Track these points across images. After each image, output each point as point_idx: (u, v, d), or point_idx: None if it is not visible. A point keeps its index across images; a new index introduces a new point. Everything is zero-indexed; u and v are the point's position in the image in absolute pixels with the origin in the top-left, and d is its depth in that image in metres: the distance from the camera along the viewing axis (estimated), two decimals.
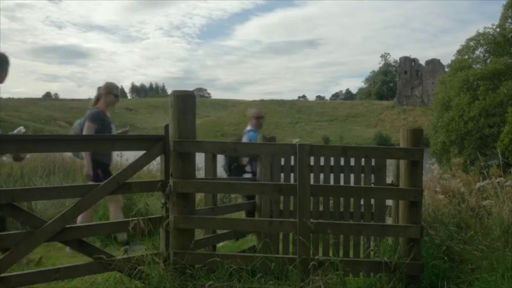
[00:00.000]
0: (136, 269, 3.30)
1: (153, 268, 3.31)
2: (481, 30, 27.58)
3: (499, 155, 7.41)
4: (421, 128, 3.62)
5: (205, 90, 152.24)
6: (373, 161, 4.09)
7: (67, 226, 3.17)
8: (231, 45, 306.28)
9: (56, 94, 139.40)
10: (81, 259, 3.53)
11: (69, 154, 10.03)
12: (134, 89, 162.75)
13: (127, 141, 3.80)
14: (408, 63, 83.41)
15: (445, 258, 4.20)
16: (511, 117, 19.43)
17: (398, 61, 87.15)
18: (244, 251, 4.67)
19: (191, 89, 3.78)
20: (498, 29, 26.89)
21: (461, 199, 5.81)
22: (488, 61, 26.58)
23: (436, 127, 26.11)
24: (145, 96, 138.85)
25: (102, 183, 3.35)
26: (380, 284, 3.26)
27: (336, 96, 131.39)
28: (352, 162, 4.10)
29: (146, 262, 3.31)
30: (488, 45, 27.11)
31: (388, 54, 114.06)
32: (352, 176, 4.15)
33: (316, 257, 3.31)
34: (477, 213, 5.41)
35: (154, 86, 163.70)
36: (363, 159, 4.13)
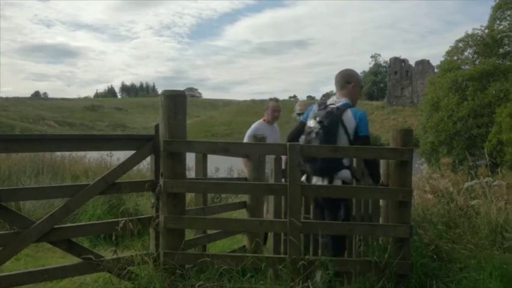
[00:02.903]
0: (126, 270, 3.28)
1: (143, 268, 3.29)
2: (470, 32, 27.88)
3: (486, 156, 7.50)
4: (411, 129, 3.65)
5: (196, 90, 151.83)
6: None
7: (55, 226, 3.14)
8: (221, 45, 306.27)
9: (44, 93, 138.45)
10: (70, 260, 3.50)
11: (57, 154, 9.98)
12: (124, 88, 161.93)
13: (117, 141, 3.78)
14: (398, 63, 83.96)
15: (434, 257, 4.23)
16: (499, 118, 19.66)
17: (388, 62, 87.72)
18: (235, 250, 4.67)
19: (182, 89, 3.77)
20: (487, 30, 27.18)
21: (450, 199, 5.86)
22: (477, 62, 26.85)
23: (425, 127, 26.34)
24: (136, 96, 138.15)
25: (91, 183, 3.33)
26: (369, 283, 3.27)
27: (326, 96, 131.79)
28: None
29: (136, 262, 3.29)
30: (477, 47, 27.38)
31: (379, 54, 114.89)
32: None
33: (306, 257, 3.32)
34: (465, 212, 5.46)
35: (144, 85, 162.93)
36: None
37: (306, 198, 3.88)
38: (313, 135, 3.54)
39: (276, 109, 5.85)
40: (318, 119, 3.59)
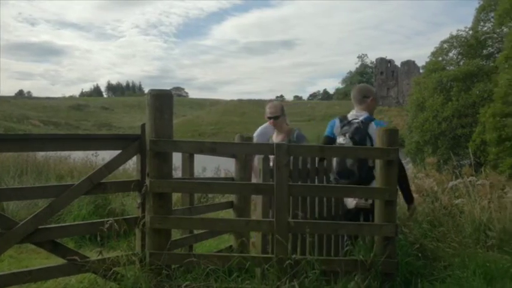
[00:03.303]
0: (112, 270, 3.26)
1: (129, 269, 3.27)
2: (454, 33, 28.22)
3: (471, 155, 7.62)
4: (396, 128, 3.68)
5: (183, 89, 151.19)
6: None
7: (40, 227, 3.10)
8: (208, 44, 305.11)
9: (29, 92, 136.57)
10: (54, 260, 3.46)
11: (41, 154, 9.86)
12: (110, 87, 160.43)
13: (102, 141, 3.75)
14: (384, 64, 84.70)
15: (419, 255, 4.28)
16: (483, 118, 19.93)
17: (375, 62, 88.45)
18: (222, 250, 4.66)
19: (168, 88, 3.75)
20: (471, 32, 27.54)
21: (435, 198, 5.94)
22: (461, 63, 27.20)
23: (411, 127, 26.61)
24: (122, 95, 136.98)
25: (76, 183, 3.29)
26: (356, 282, 3.29)
27: (313, 96, 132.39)
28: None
29: (121, 263, 3.27)
30: (462, 48, 27.73)
31: (365, 55, 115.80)
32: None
33: (293, 256, 3.33)
34: (450, 211, 5.54)
35: (130, 84, 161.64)
36: None
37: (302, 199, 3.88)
38: None
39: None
40: (348, 135, 3.78)
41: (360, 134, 3.74)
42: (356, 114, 3.90)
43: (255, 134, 5.10)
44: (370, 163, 3.71)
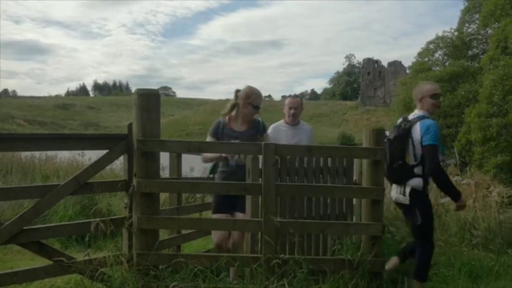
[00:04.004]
0: (98, 271, 3.23)
1: (116, 270, 3.24)
2: (440, 34, 28.52)
3: (456, 155, 7.71)
4: (383, 128, 3.71)
5: (170, 88, 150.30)
6: (344, 161, 4.16)
7: (25, 228, 3.06)
8: (195, 44, 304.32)
9: (13, 91, 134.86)
10: (40, 262, 3.42)
11: (27, 153, 9.74)
12: (97, 86, 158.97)
13: (89, 140, 3.71)
14: (371, 64, 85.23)
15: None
16: (468, 118, 20.16)
17: (362, 62, 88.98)
18: (210, 250, 4.65)
19: (156, 88, 3.73)
20: (456, 33, 27.86)
21: None
22: (447, 64, 27.49)
23: None
24: (109, 94, 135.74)
25: (62, 183, 3.25)
26: (343, 281, 3.31)
27: (301, 96, 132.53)
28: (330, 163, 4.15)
29: (108, 264, 3.24)
30: (447, 48, 28.03)
31: (353, 55, 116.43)
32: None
33: (281, 256, 3.33)
34: (436, 210, 5.59)
35: (117, 84, 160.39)
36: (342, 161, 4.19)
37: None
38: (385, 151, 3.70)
39: (291, 105, 4.76)
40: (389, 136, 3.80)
41: (395, 134, 3.73)
42: (413, 113, 3.87)
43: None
44: (412, 161, 3.66)
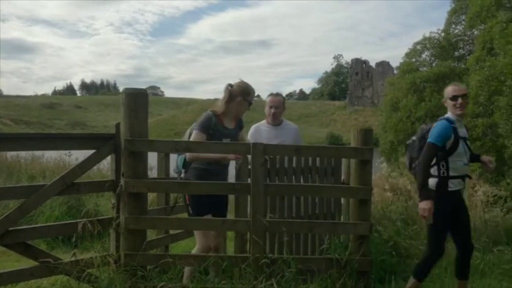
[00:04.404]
0: (85, 272, 3.20)
1: (103, 270, 3.22)
2: (427, 35, 28.78)
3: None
4: (371, 128, 3.73)
5: (159, 88, 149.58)
6: (332, 161, 4.18)
7: (10, 229, 3.03)
8: (184, 43, 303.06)
9: None
10: (26, 263, 3.38)
11: (12, 153, 9.61)
12: (84, 86, 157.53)
13: (76, 140, 3.68)
14: (359, 64, 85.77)
15: (393, 253, 4.36)
16: None
17: (350, 63, 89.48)
18: None
19: (144, 87, 3.71)
20: (443, 34, 28.13)
21: (408, 196, 6.06)
22: (433, 64, 27.73)
23: (385, 127, 26.96)
24: (96, 94, 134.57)
25: (48, 183, 3.22)
26: (331, 280, 3.33)
27: (289, 96, 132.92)
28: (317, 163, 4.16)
29: (95, 264, 3.22)
30: (434, 49, 28.27)
31: (341, 55, 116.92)
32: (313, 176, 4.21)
33: (269, 255, 3.34)
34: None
35: (105, 83, 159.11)
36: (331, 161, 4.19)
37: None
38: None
39: (272, 104, 4.50)
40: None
41: (417, 135, 3.76)
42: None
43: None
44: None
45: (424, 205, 3.40)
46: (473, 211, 5.26)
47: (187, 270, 3.55)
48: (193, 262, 3.31)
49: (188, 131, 3.90)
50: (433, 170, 3.55)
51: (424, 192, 3.45)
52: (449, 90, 3.81)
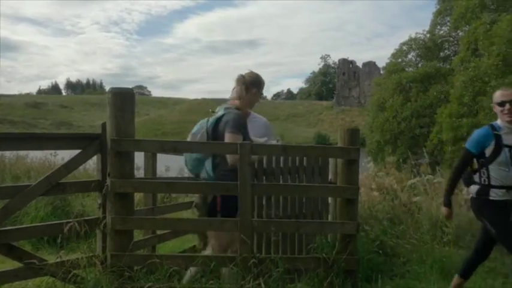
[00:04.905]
0: (71, 273, 3.17)
1: (89, 271, 3.19)
2: (413, 36, 29.09)
3: (425, 154, 7.88)
4: (358, 128, 3.75)
5: (145, 88, 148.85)
6: (319, 160, 4.20)
7: None
8: (171, 42, 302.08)
9: None
10: (11, 264, 3.33)
11: None
12: (69, 85, 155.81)
13: (61, 140, 3.63)
14: (346, 65, 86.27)
15: (380, 252, 4.40)
16: (440, 118, 20.61)
17: (337, 63, 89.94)
18: (185, 250, 4.63)
19: (130, 87, 3.68)
20: (428, 35, 28.47)
21: (395, 196, 6.10)
22: (419, 65, 28.04)
23: (371, 127, 27.19)
24: (82, 93, 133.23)
25: (33, 183, 3.17)
26: (318, 279, 3.34)
27: (277, 96, 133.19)
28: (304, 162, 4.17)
29: (82, 265, 3.18)
30: (420, 50, 28.60)
31: (328, 55, 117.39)
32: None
33: (257, 255, 3.34)
34: (409, 208, 5.71)
35: (91, 82, 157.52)
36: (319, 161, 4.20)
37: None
38: None
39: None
40: None
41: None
42: None
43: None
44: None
45: (443, 211, 3.52)
46: (458, 210, 5.32)
47: (192, 270, 3.47)
48: (181, 262, 3.29)
49: (198, 133, 3.59)
50: (476, 177, 3.47)
51: (444, 197, 3.48)
52: (497, 95, 3.49)
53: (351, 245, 3.48)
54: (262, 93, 3.68)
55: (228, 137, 3.40)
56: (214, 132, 3.50)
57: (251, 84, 3.59)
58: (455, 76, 20.49)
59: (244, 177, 3.31)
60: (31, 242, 5.13)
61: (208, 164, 3.50)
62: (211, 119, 3.55)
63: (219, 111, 3.56)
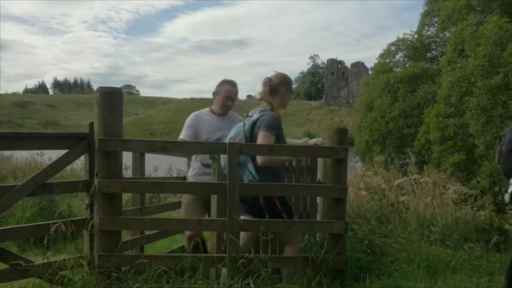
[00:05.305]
0: (58, 275, 3.14)
1: (76, 272, 3.16)
2: (401, 36, 29.28)
3: (410, 154, 7.95)
4: (346, 128, 3.77)
5: (134, 87, 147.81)
6: (308, 160, 4.21)
7: None
8: (159, 42, 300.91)
9: None
10: None
11: None
12: (57, 84, 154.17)
13: (48, 139, 3.59)
14: (335, 65, 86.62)
15: (368, 251, 4.42)
16: (427, 118, 20.78)
17: (326, 63, 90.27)
18: (174, 251, 4.61)
19: (119, 86, 3.65)
20: (416, 36, 28.67)
21: (382, 195, 6.15)
22: (407, 65, 28.23)
23: (360, 127, 27.31)
24: (69, 92, 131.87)
25: (19, 184, 3.13)
26: (307, 279, 3.35)
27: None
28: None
29: (69, 266, 3.15)
30: (407, 51, 28.78)
31: (317, 55, 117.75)
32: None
33: (246, 255, 3.34)
34: (396, 208, 5.75)
35: (78, 81, 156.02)
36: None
37: None
38: None
39: (230, 95, 4.21)
40: None
41: (504, 132, 3.38)
42: None
43: (185, 124, 4.29)
44: None
45: None
46: (445, 209, 5.38)
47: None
48: (169, 262, 3.28)
49: (236, 137, 3.60)
50: None
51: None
52: None
53: (339, 244, 3.50)
54: (291, 91, 3.77)
55: (260, 136, 3.42)
56: (252, 135, 3.53)
57: (279, 85, 3.63)
58: (442, 77, 20.67)
59: (232, 177, 3.31)
60: (17, 243, 5.07)
61: (251, 167, 3.54)
62: (248, 123, 3.59)
63: (254, 115, 3.60)
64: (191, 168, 4.33)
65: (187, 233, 3.94)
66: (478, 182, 12.22)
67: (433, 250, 4.63)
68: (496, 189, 8.40)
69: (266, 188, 3.74)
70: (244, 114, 3.75)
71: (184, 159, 4.66)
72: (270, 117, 3.49)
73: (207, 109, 4.35)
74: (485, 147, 15.89)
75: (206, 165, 4.04)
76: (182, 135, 4.21)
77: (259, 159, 3.45)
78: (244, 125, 3.62)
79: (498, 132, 15.22)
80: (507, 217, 5.54)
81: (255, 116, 3.57)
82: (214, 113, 4.27)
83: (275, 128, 3.47)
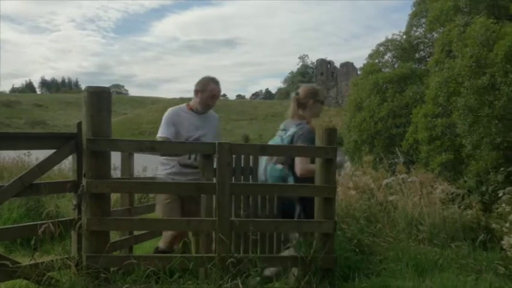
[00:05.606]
0: (46, 276, 3.11)
1: (64, 273, 3.13)
2: (390, 37, 29.50)
3: (399, 154, 8.01)
4: (335, 128, 3.79)
5: (123, 86, 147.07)
6: None
7: None
8: (148, 41, 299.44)
9: None
10: None
11: None
12: (44, 83, 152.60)
13: (36, 139, 3.56)
14: (324, 65, 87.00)
15: (356, 250, 4.45)
16: (415, 118, 20.94)
17: (315, 63, 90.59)
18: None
19: (107, 85, 3.63)
20: (404, 36, 28.90)
21: (371, 194, 6.18)
22: (396, 66, 28.45)
23: (349, 127, 27.45)
24: (57, 92, 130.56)
25: (5, 184, 3.10)
26: (296, 278, 3.36)
27: (255, 95, 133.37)
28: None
29: (56, 267, 3.12)
30: (396, 51, 29.01)
31: (307, 56, 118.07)
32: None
33: (235, 255, 3.34)
34: (385, 207, 5.79)
35: (66, 81, 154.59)
36: None
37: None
38: None
39: (215, 94, 4.13)
40: None
41: None
42: None
43: (163, 120, 4.15)
44: None
45: None
46: (433, 208, 5.43)
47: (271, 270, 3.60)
48: (158, 263, 3.26)
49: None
50: None
51: None
52: None
53: (328, 243, 3.51)
54: (322, 101, 4.02)
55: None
56: None
57: (306, 98, 3.93)
58: (430, 77, 20.83)
59: (222, 176, 3.31)
60: (4, 244, 5.01)
61: (291, 180, 3.82)
62: (286, 136, 3.88)
63: (291, 128, 3.89)
64: (163, 166, 4.11)
65: (172, 233, 3.92)
66: (465, 181, 12.33)
67: (421, 249, 4.66)
68: (483, 188, 8.48)
69: (256, 187, 3.75)
70: (278, 129, 4.06)
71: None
72: (306, 131, 3.80)
73: (184, 105, 4.19)
74: (472, 147, 16.06)
75: (184, 165, 3.99)
76: (164, 133, 4.03)
77: (298, 171, 3.72)
78: (282, 140, 3.89)
79: (485, 132, 15.42)
80: (493, 216, 5.61)
81: (292, 130, 3.85)
82: (192, 110, 4.13)
83: (310, 140, 3.75)
